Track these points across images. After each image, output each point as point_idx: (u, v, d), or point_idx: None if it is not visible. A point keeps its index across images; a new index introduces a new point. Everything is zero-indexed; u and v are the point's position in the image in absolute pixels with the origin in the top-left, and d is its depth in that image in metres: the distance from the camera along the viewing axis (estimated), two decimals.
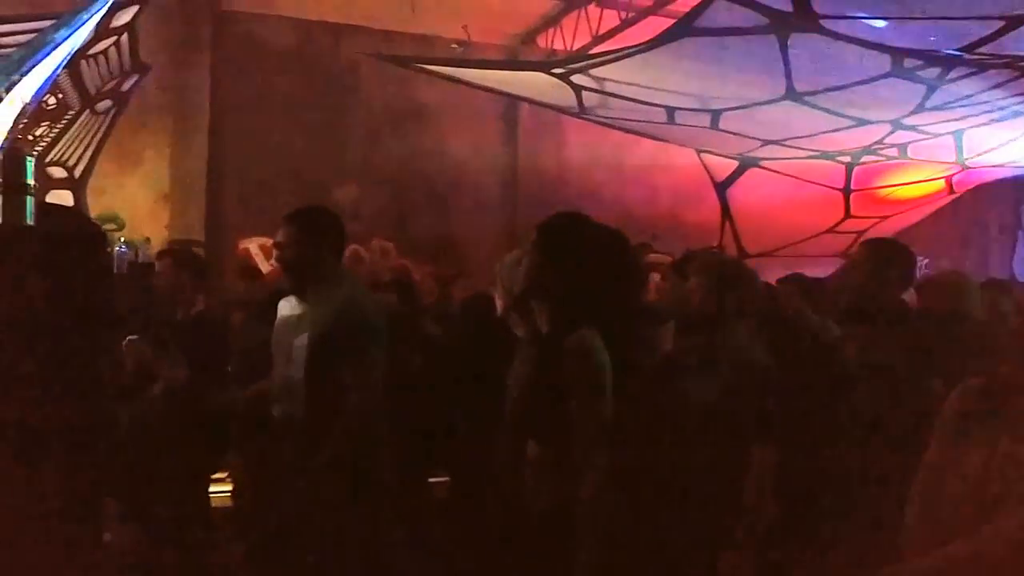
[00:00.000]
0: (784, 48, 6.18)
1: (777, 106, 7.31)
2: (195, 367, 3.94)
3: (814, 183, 9.51)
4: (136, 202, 9.10)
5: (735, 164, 9.64)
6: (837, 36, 5.86)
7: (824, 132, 8.03)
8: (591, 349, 2.60)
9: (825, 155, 9.05)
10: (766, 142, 8.75)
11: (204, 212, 9.55)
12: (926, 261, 8.85)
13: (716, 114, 8.04)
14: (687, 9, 6.21)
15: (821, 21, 5.68)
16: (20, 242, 2.09)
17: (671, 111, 8.17)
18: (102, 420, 2.26)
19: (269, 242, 5.45)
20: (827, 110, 7.41)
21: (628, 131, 9.59)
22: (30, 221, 2.17)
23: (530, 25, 10.88)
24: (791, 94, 7.03)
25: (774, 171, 9.48)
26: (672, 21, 6.76)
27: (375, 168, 10.25)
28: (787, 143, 8.65)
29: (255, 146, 9.64)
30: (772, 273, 5.56)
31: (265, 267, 7.61)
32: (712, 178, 9.92)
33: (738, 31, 5.98)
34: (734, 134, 8.47)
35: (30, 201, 2.15)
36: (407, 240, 9.06)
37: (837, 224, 9.80)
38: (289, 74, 9.94)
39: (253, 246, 8.61)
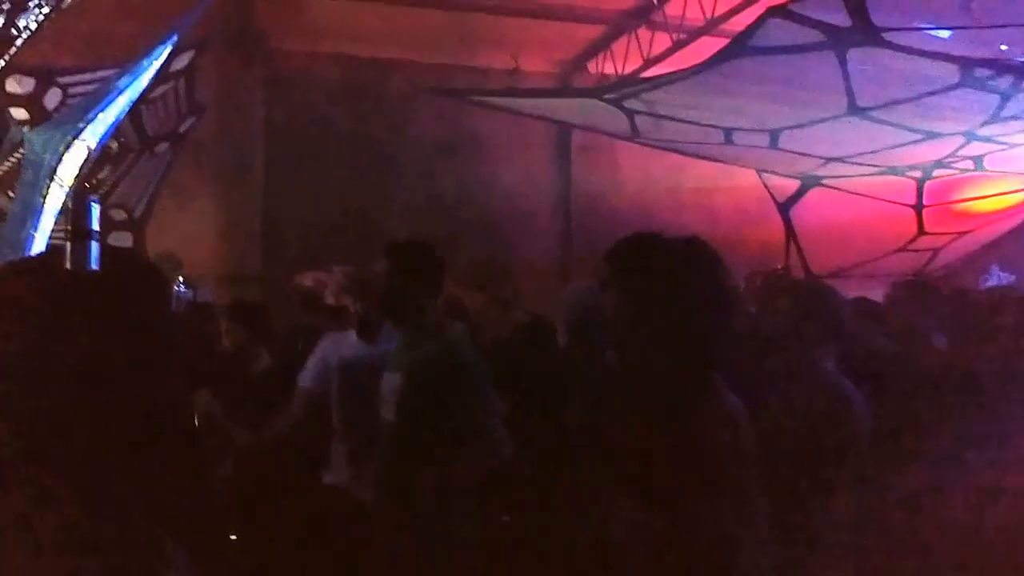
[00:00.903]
0: (843, 63, 6.11)
1: (839, 122, 7.22)
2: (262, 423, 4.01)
3: (883, 200, 9.32)
4: (194, 240, 9.39)
5: (797, 183, 9.52)
6: (899, 48, 5.77)
7: (891, 147, 7.88)
8: (736, 426, 2.41)
9: (893, 170, 8.87)
10: (829, 160, 8.63)
11: (260, 248, 9.79)
12: (1013, 278, 8.58)
13: (775, 133, 7.96)
14: (740, 29, 6.20)
15: (882, 34, 5.61)
16: (85, 287, 2.16)
17: (728, 132, 8.12)
18: (167, 467, 2.31)
19: (324, 275, 5.53)
20: (893, 124, 7.28)
21: (684, 153, 9.55)
22: (95, 266, 2.25)
23: (579, 51, 10.97)
24: (853, 109, 6.93)
25: (839, 189, 9.32)
26: (725, 41, 6.73)
27: (427, 199, 10.39)
28: (852, 160, 8.52)
29: (308, 181, 9.87)
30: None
31: (331, 300, 7.72)
32: (774, 198, 9.80)
33: (794, 49, 5.93)
34: (795, 153, 8.37)
35: (95, 246, 2.23)
36: (460, 270, 9.13)
37: (910, 242, 9.56)
38: (340, 110, 10.20)
39: (309, 280, 8.77)
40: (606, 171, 11.13)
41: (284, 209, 9.99)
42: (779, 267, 8.82)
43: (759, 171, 9.61)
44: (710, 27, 9.01)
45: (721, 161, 9.68)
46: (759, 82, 6.66)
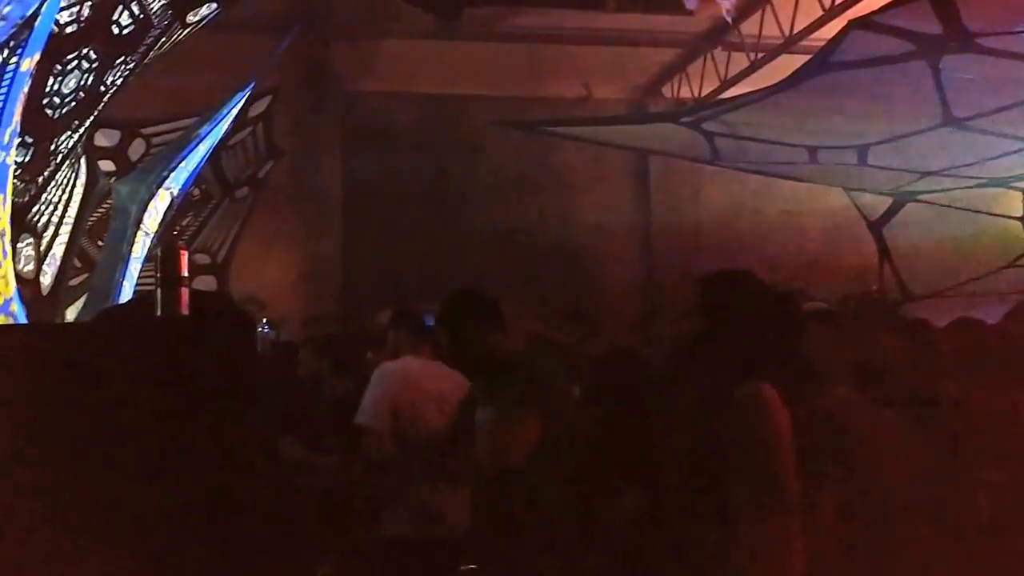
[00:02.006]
0: (936, 72, 5.93)
1: (934, 134, 6.99)
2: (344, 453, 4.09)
3: (986, 214, 8.96)
4: (275, 282, 9.68)
5: (890, 200, 9.24)
6: (997, 53, 5.58)
7: (992, 157, 7.59)
8: (768, 402, 2.55)
9: (995, 182, 8.53)
10: (924, 174, 8.36)
11: (340, 288, 10.02)
12: None
13: (863, 149, 7.76)
14: (821, 44, 6.10)
15: (976, 39, 5.43)
16: (177, 332, 2.26)
17: (813, 150, 7.96)
18: (254, 505, 2.37)
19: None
20: (993, 133, 7.02)
21: (768, 175, 9.40)
22: (185, 311, 2.34)
23: (653, 75, 10.97)
24: (949, 120, 6.71)
25: (937, 204, 9.01)
26: (805, 58, 6.64)
27: (505, 233, 10.48)
28: (949, 173, 8.23)
29: (387, 219, 10.09)
30: (942, 315, 5.24)
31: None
32: (865, 217, 9.54)
33: (881, 61, 5.79)
34: (886, 169, 8.15)
35: (184, 292, 2.33)
36: (539, 304, 9.16)
37: (1020, 257, 9.15)
38: (416, 147, 10.41)
39: (388, 317, 8.92)
40: (686, 196, 11.03)
41: (363, 249, 10.21)
42: (873, 289, 8.55)
43: (848, 189, 9.38)
44: (789, 44, 8.90)
45: (807, 181, 9.49)
46: (844, 97, 6.53)
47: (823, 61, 5.93)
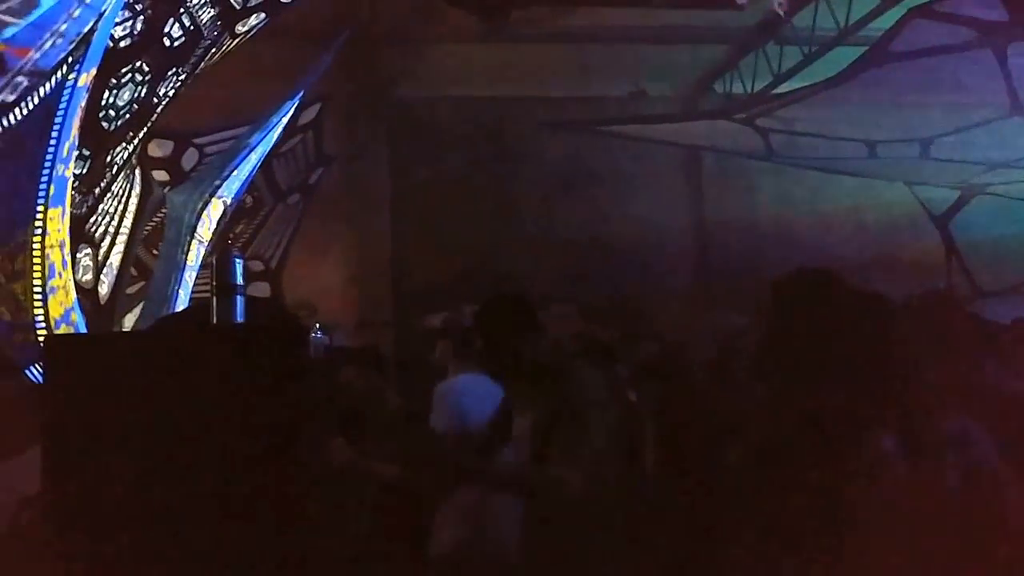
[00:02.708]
0: (1003, 60, 5.76)
1: (1002, 125, 6.80)
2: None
3: None
4: (326, 287, 9.79)
5: (956, 194, 9.01)
6: None
7: None
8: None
9: None
10: (993, 166, 8.13)
11: (391, 292, 10.11)
12: None
13: (925, 142, 7.59)
14: (879, 34, 5.97)
15: None
16: (232, 340, 2.29)
17: (872, 145, 7.81)
18: (307, 511, 2.39)
19: (452, 317, 5.66)
20: None
21: (824, 170, 9.24)
22: (240, 319, 2.38)
23: (703, 72, 10.85)
24: (1018, 109, 6.52)
25: (1008, 197, 8.75)
26: (862, 49, 6.50)
27: (552, 235, 10.46)
28: (1020, 164, 7.99)
29: (435, 224, 10.14)
30: (1014, 312, 5.08)
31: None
32: (929, 212, 9.31)
33: (943, 50, 5.65)
34: (950, 162, 7.94)
35: (240, 300, 2.36)
36: (589, 304, 9.12)
37: None
38: (464, 150, 10.45)
39: (439, 322, 8.97)
40: (740, 193, 10.88)
41: (413, 253, 10.28)
42: (940, 286, 8.33)
43: (909, 184, 9.18)
44: (845, 35, 8.71)
45: (866, 176, 9.30)
46: (904, 89, 6.40)
47: (882, 52, 5.81)
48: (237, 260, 2.46)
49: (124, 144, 5.79)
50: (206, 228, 6.91)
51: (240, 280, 2.42)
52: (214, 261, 2.44)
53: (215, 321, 2.33)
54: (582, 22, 9.36)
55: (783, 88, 9.21)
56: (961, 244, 9.09)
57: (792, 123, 7.77)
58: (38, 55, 3.92)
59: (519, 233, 10.43)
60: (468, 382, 3.80)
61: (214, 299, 2.37)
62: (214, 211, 7.00)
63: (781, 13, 9.23)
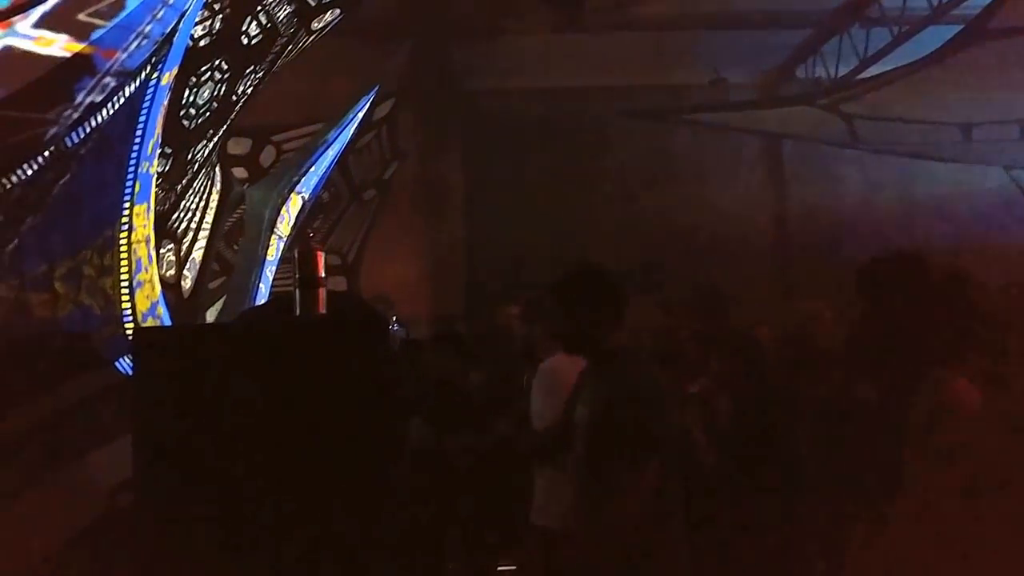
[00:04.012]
0: None
1: None
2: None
3: None
4: (402, 280, 9.91)
5: None
6: None
7: None
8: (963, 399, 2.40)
9: None
10: None
11: (464, 285, 10.17)
12: None
13: None
14: (975, 12, 5.73)
15: None
16: (316, 331, 2.34)
17: (966, 127, 7.52)
18: (390, 492, 2.41)
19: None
20: None
21: (913, 156, 8.93)
22: (322, 311, 2.42)
23: (785, 58, 10.59)
24: None
25: None
26: (957, 28, 6.26)
27: (630, 226, 10.36)
28: None
29: (509, 216, 10.16)
30: None
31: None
32: None
33: None
34: None
35: (322, 293, 2.40)
36: (668, 296, 8.99)
37: None
38: (537, 142, 10.43)
39: (513, 312, 8.99)
40: (824, 182, 10.60)
41: (487, 245, 10.33)
42: None
43: (1007, 168, 8.81)
44: (938, 14, 8.37)
45: (960, 161, 8.96)
46: (1003, 68, 6.13)
47: (979, 29, 5.58)
48: (319, 253, 2.50)
49: (204, 142, 5.95)
50: (285, 224, 7.06)
51: (322, 273, 2.47)
52: (296, 255, 2.49)
53: (298, 313, 2.38)
54: (658, 9, 9.23)
55: (870, 72, 8.93)
56: None
57: (879, 107, 7.55)
58: (124, 56, 4.05)
59: (596, 225, 10.37)
60: (564, 362, 3.73)
61: (297, 291, 2.42)
62: (293, 207, 7.15)
63: None
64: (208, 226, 6.57)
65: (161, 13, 4.09)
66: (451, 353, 4.68)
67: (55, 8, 3.61)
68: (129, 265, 4.30)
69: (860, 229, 9.55)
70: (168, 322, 4.77)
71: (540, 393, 3.66)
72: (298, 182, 7.19)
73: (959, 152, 8.45)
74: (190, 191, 6.17)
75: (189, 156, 5.84)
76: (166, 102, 4.66)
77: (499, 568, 4.52)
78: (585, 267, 3.45)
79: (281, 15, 5.95)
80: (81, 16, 3.76)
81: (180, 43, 4.54)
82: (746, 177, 10.75)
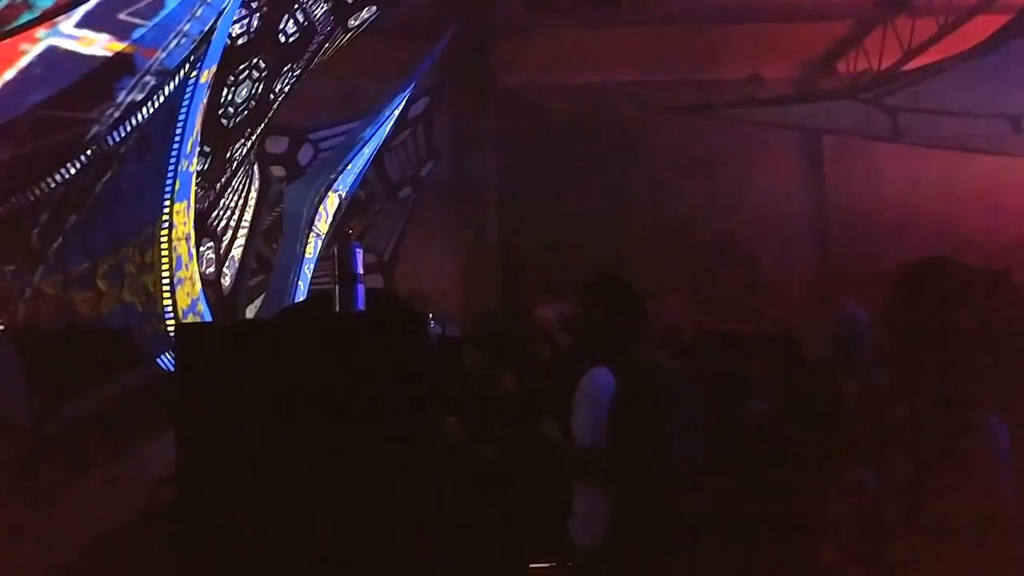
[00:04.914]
0: None
1: None
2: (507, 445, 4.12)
3: None
4: (437, 278, 9.93)
5: None
6: None
7: None
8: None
9: None
10: None
11: (501, 283, 10.17)
12: None
13: None
14: None
15: None
16: (356, 327, 2.33)
17: (1016, 119, 7.34)
18: (424, 487, 2.41)
19: (564, 307, 5.63)
20: None
21: (960, 149, 8.74)
22: (360, 307, 2.42)
23: (826, 51, 10.42)
24: None
25: None
26: (1006, 18, 6.10)
27: (666, 223, 10.28)
28: None
29: (545, 213, 10.13)
30: None
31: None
32: None
33: None
34: None
35: (360, 289, 2.40)
36: (705, 296, 8.91)
37: None
38: (573, 138, 10.39)
39: (549, 312, 8.96)
40: (865, 177, 10.42)
41: (522, 244, 10.31)
42: None
43: None
44: (987, 2, 8.16)
45: (1009, 154, 8.75)
46: None
47: None
48: (357, 250, 2.51)
49: (242, 140, 5.99)
50: (323, 221, 7.10)
51: (360, 269, 2.47)
52: (335, 251, 2.50)
53: (337, 309, 2.38)
54: (696, 3, 9.14)
55: (914, 64, 8.75)
56: None
57: (924, 100, 7.40)
58: (164, 55, 4.09)
59: (633, 222, 10.31)
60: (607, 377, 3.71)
61: (336, 288, 2.42)
62: (330, 205, 7.18)
63: None
64: (247, 224, 6.63)
65: (200, 11, 4.12)
66: (487, 352, 4.68)
67: (97, 8, 3.66)
68: (170, 262, 4.34)
69: (902, 226, 9.40)
70: (209, 319, 4.81)
71: (582, 407, 3.64)
72: (335, 180, 7.22)
73: (1008, 145, 8.26)
74: (229, 189, 6.22)
75: (228, 155, 5.88)
76: (205, 100, 4.70)
77: (531, 566, 4.51)
78: (606, 275, 3.49)
79: (318, 13, 5.98)
80: (122, 15, 3.80)
81: (218, 41, 4.57)
82: (785, 174, 10.61)
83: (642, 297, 3.39)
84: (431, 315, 7.13)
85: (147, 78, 4.09)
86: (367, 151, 7.60)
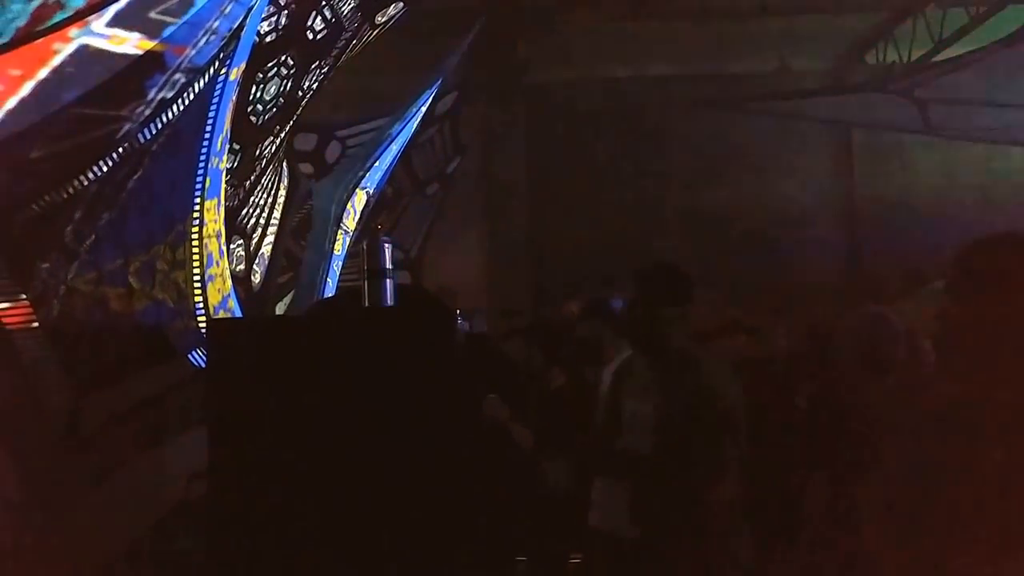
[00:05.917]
0: None
1: None
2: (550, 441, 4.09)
3: None
4: (465, 274, 9.92)
5: None
6: None
7: None
8: None
9: None
10: None
11: (527, 278, 10.14)
12: None
13: None
14: None
15: None
16: (384, 321, 2.32)
17: None
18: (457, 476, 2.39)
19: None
20: None
21: (994, 141, 8.58)
22: (390, 302, 2.40)
23: (855, 43, 10.27)
24: None
25: None
26: None
27: (696, 217, 10.21)
28: None
29: (573, 209, 10.09)
30: None
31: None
32: None
33: None
34: None
35: (390, 284, 2.38)
36: (736, 289, 8.82)
37: None
38: (600, 133, 10.33)
39: (576, 307, 8.92)
40: (895, 169, 10.27)
41: (550, 239, 10.28)
42: None
43: None
44: None
45: None
46: None
47: None
48: (386, 245, 2.50)
49: (271, 138, 6.01)
50: (351, 218, 7.12)
51: (389, 264, 2.46)
52: (364, 246, 2.49)
53: (366, 304, 2.37)
54: None
55: (945, 55, 8.60)
56: None
57: (956, 92, 7.27)
58: (194, 52, 4.09)
59: (662, 216, 10.24)
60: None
61: (365, 283, 2.41)
62: (358, 202, 7.20)
63: None
64: (276, 221, 6.65)
65: (229, 8, 4.12)
66: (525, 347, 4.65)
67: (128, 6, 3.66)
68: (200, 259, 4.36)
69: (933, 220, 9.24)
70: (239, 315, 4.83)
71: (628, 396, 3.61)
72: (363, 177, 7.23)
73: None
74: (258, 187, 6.25)
75: (257, 152, 5.90)
76: (234, 98, 4.71)
77: (571, 559, 4.49)
78: (659, 263, 3.44)
79: (345, 9, 5.97)
80: (152, 14, 3.81)
81: (247, 39, 4.57)
82: (815, 167, 10.49)
83: (692, 285, 3.36)
84: (459, 311, 7.13)
85: (177, 76, 4.09)
86: (394, 148, 7.60)
